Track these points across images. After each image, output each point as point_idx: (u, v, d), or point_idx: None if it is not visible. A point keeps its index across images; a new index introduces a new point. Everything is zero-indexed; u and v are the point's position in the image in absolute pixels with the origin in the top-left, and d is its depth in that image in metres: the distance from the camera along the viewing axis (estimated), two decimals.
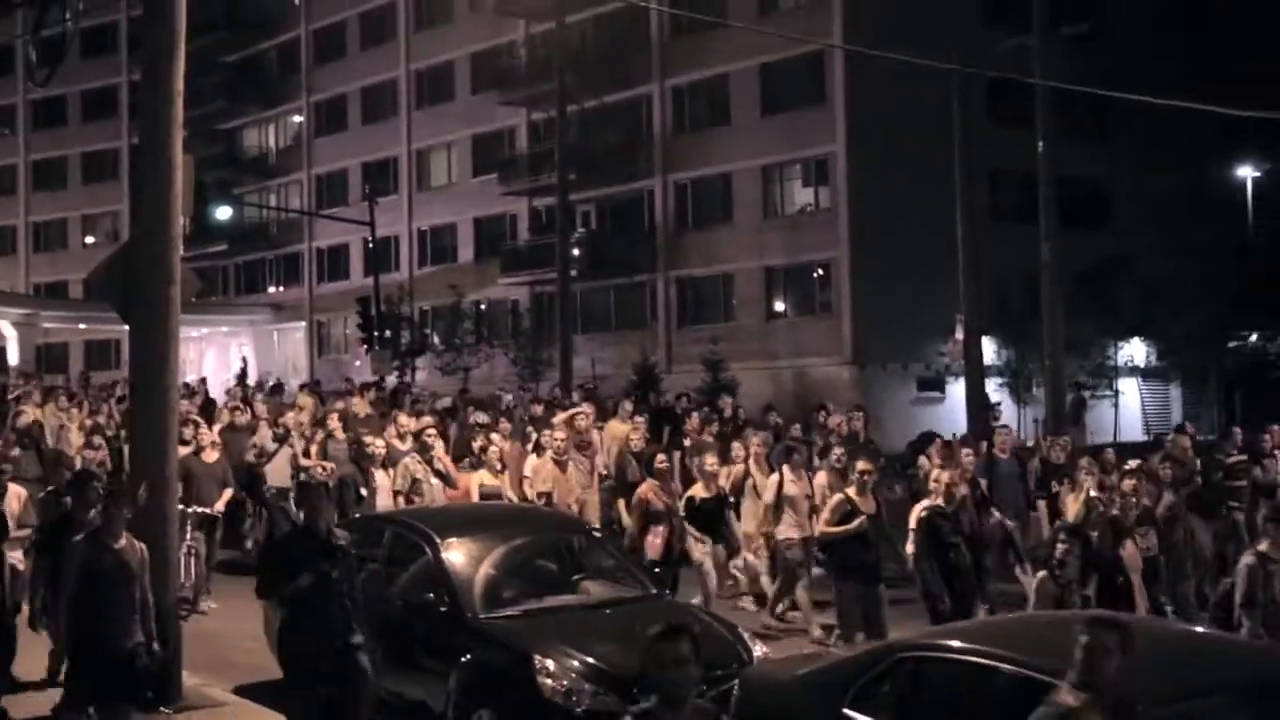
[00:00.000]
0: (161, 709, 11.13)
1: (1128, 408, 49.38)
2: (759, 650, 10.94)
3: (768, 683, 9.22)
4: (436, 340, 51.08)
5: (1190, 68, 42.87)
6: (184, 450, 18.15)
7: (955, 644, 8.06)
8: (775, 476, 16.22)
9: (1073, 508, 15.64)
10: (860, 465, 14.43)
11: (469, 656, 10.48)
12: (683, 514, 15.44)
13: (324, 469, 17.96)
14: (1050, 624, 9.21)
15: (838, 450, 17.03)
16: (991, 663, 7.51)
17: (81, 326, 63.09)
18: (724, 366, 41.13)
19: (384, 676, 10.62)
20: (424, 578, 11.54)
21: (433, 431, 18.84)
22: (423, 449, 17.41)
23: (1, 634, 11.32)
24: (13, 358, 58.51)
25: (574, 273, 42.15)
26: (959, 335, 33.66)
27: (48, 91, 62.98)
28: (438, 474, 17.23)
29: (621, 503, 17.38)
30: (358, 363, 52.63)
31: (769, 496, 15.98)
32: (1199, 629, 10.72)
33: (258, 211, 66.43)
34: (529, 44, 53.76)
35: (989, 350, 36.87)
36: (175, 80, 13.26)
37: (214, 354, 64.76)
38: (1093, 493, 15.39)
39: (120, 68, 66.62)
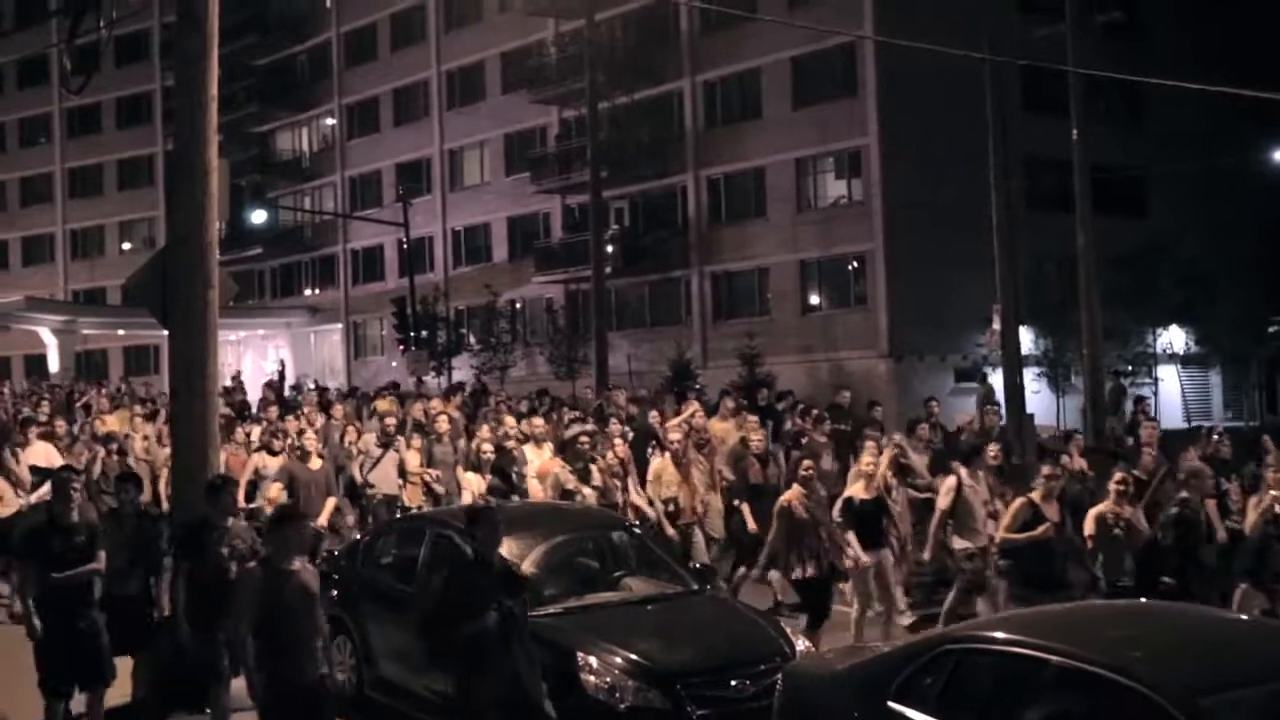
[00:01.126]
0: None
1: (1167, 395, 49.00)
2: (801, 645, 10.97)
3: (811, 677, 9.19)
4: (472, 340, 51.18)
5: (1222, 52, 42.68)
6: (276, 459, 18.65)
7: (1001, 635, 8.03)
8: (951, 479, 15.05)
9: (1252, 515, 14.60)
10: (1045, 470, 13.69)
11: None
12: (839, 518, 14.43)
13: (430, 475, 17.87)
14: (1102, 615, 9.17)
15: (994, 447, 15.92)
16: (1040, 654, 7.46)
17: (120, 332, 63.49)
18: (760, 361, 40.99)
19: (429, 674, 10.75)
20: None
21: (586, 440, 17.68)
22: (576, 457, 16.36)
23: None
24: (53, 365, 58.98)
25: (608, 270, 42.16)
26: (996, 325, 33.54)
27: (82, 100, 63.45)
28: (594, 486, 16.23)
29: (745, 507, 16.80)
30: (394, 363, 52.79)
31: (944, 501, 14.82)
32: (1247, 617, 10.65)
33: (292, 214, 66.79)
34: (558, 42, 53.79)
35: (1026, 340, 36.74)
36: (209, 86, 13.33)
37: (251, 357, 65.04)
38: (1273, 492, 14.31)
39: (154, 74, 67.00)
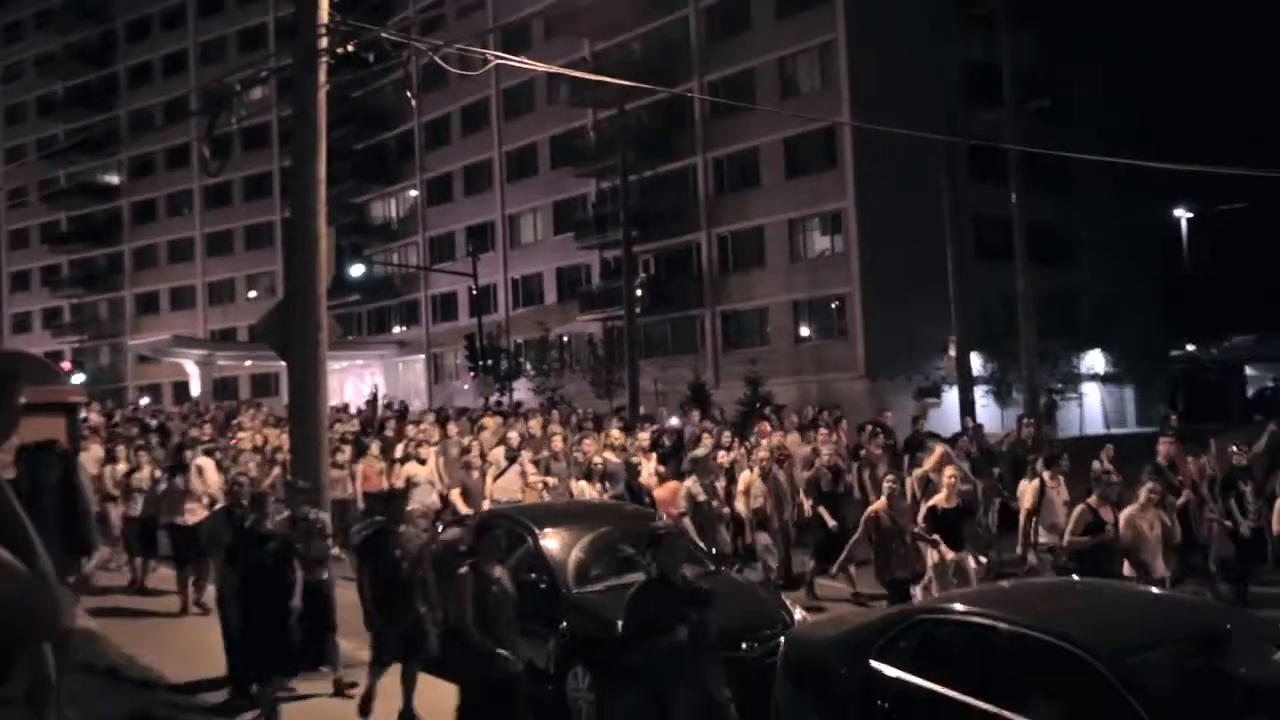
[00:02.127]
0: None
1: (1090, 407, 49.20)
2: (799, 615, 10.95)
3: (808, 641, 9.21)
4: (529, 367, 51.21)
5: (1130, 130, 42.63)
6: (424, 469, 18.52)
7: (961, 607, 8.08)
8: (1035, 482, 14.00)
9: None
10: (1103, 476, 12.79)
11: (565, 624, 10.58)
12: (922, 525, 13.54)
13: (545, 484, 17.12)
14: (1042, 591, 9.16)
15: (1065, 460, 14.60)
16: (993, 623, 7.52)
17: (248, 364, 63.69)
18: (761, 382, 41.00)
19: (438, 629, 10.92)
20: (527, 561, 11.58)
21: (722, 455, 17.56)
22: (705, 471, 15.70)
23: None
24: (195, 389, 59.24)
25: (638, 310, 42.11)
26: (952, 352, 33.58)
27: (217, 179, 63.96)
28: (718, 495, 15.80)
29: (823, 510, 16.06)
30: (465, 386, 52.78)
31: (1028, 501, 13.83)
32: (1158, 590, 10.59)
33: (383, 268, 66.99)
34: (596, 127, 54.07)
35: (976, 363, 36.76)
36: (318, 170, 13.40)
37: (351, 383, 64.97)
38: None
39: (273, 157, 67.37)
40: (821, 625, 9.91)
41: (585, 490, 16.63)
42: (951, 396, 35.69)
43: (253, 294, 76.64)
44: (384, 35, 15.21)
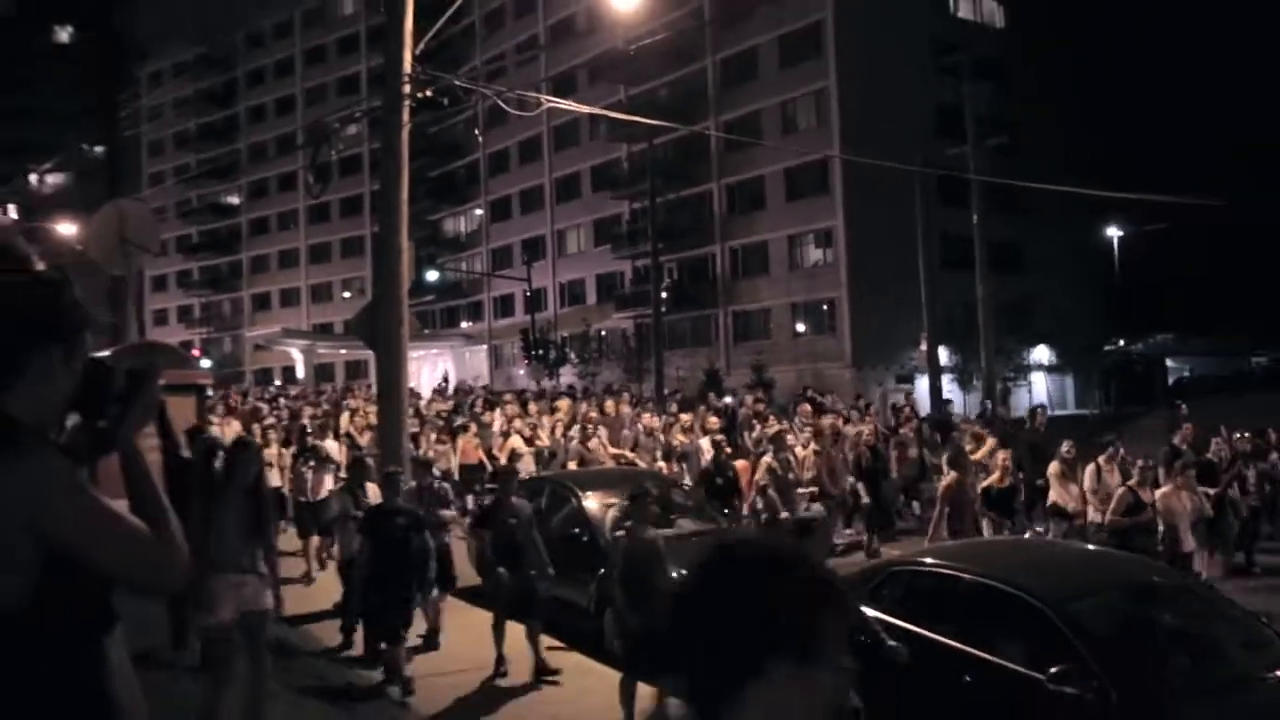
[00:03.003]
0: None
1: (1036, 393, 48.83)
2: None
3: None
4: (573, 356, 51.26)
5: (1075, 162, 42.44)
6: (528, 445, 17.76)
7: (930, 560, 8.03)
8: (1092, 466, 12.79)
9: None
10: (1141, 462, 12.03)
11: (603, 570, 10.50)
12: (982, 501, 12.67)
13: (625, 458, 16.66)
14: (998, 548, 9.11)
15: (1066, 444, 13.70)
16: (957, 573, 7.49)
17: (342, 352, 63.95)
18: (765, 370, 40.97)
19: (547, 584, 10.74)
20: (571, 517, 11.60)
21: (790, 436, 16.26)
22: (779, 447, 14.40)
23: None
24: (300, 373, 59.54)
25: (663, 309, 42.17)
26: (923, 346, 33.51)
27: (318, 200, 64.26)
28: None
29: (861, 484, 15.42)
30: (521, 372, 52.86)
31: (1089, 483, 12.56)
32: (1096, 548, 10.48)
33: (453, 274, 67.13)
34: (629, 158, 54.04)
35: (943, 355, 36.60)
36: (401, 193, 13.40)
37: (426, 369, 65.09)
38: None
39: (364, 181, 67.39)
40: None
41: (663, 468, 15.82)
42: (923, 383, 35.65)
43: (347, 294, 76.90)
44: (456, 83, 15.21)
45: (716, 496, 13.48)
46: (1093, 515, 12.49)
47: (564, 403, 24.23)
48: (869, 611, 7.78)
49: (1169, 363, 58.62)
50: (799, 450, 15.85)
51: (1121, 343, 57.94)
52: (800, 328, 48.99)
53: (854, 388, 37.07)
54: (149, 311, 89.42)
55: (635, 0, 14.97)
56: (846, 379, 41.91)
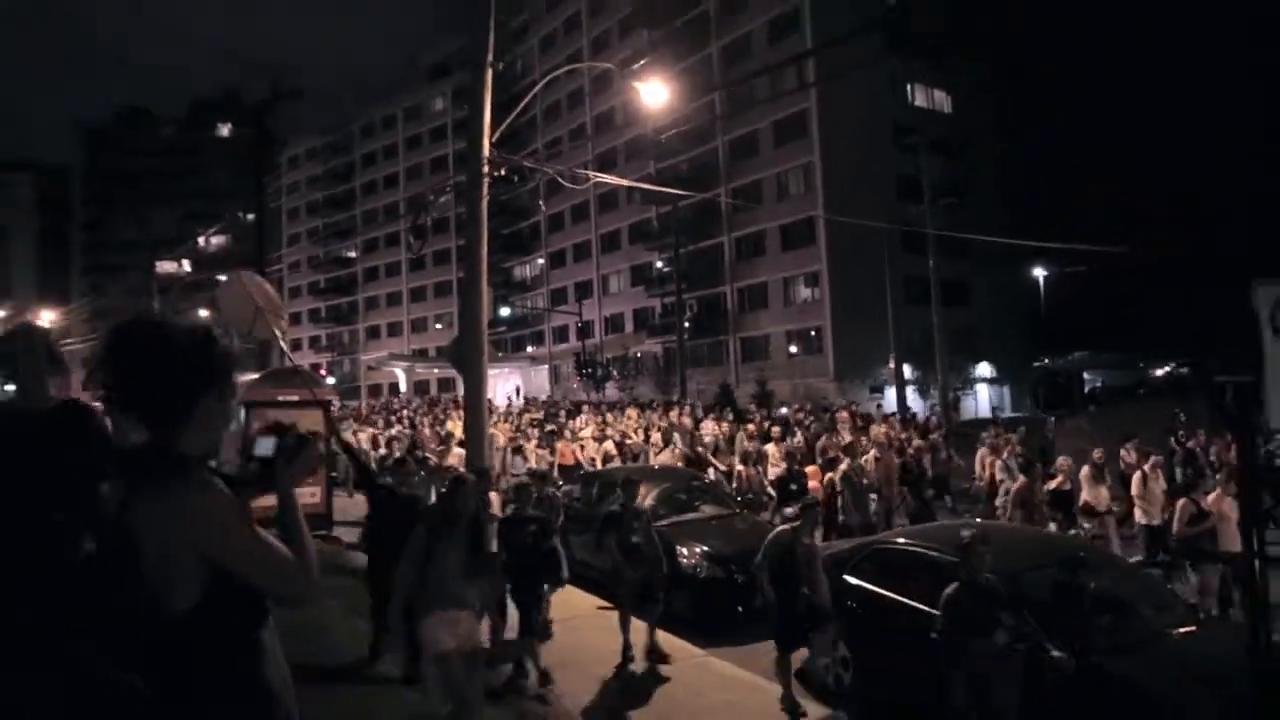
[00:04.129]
0: None
1: (980, 400, 48.45)
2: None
3: None
4: (615, 374, 51.24)
5: (1011, 217, 42.08)
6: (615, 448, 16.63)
7: (902, 540, 7.86)
8: (1139, 474, 11.52)
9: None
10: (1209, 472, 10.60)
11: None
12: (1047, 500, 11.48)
13: (708, 460, 15.42)
14: (951, 528, 8.97)
15: (1097, 450, 12.29)
16: (922, 550, 7.35)
17: (435, 371, 64.28)
18: (766, 383, 40.78)
19: (597, 556, 10.59)
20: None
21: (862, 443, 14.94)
22: (853, 456, 13.17)
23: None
24: (402, 388, 59.87)
25: (686, 337, 42.11)
26: (891, 364, 33.17)
27: (419, 254, 64.41)
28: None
29: (906, 489, 13.99)
30: (575, 386, 52.91)
31: (1136, 489, 11.28)
32: (1035, 529, 10.28)
33: (520, 310, 67.34)
34: (658, 218, 53.96)
35: (907, 371, 36.27)
36: (481, 249, 13.36)
37: (500, 384, 65.36)
38: None
39: (451, 238, 67.88)
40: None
41: (740, 470, 14.51)
42: (890, 393, 35.27)
43: (439, 325, 77.37)
44: (524, 164, 15.24)
45: (789, 499, 12.30)
46: (1140, 518, 11.19)
47: (633, 411, 23.20)
48: (851, 580, 7.68)
49: (1085, 374, 57.78)
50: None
51: (1046, 360, 57.24)
52: (794, 349, 48.70)
53: (838, 397, 36.75)
54: (287, 341, 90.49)
55: (661, 97, 14.90)
56: (830, 390, 41.65)
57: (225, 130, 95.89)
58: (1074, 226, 36.61)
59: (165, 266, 54.66)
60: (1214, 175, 55.37)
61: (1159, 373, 59.53)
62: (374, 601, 7.55)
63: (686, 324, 44.88)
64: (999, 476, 13.84)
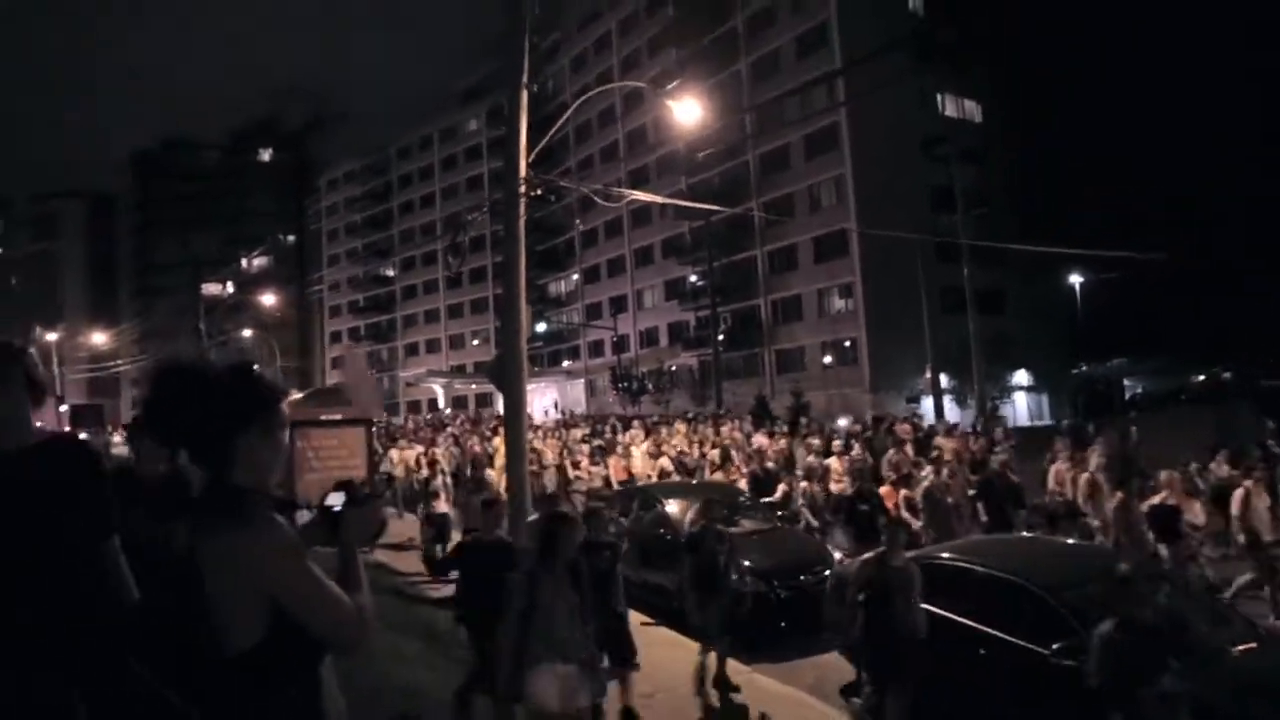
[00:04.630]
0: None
1: (1018, 409, 47.75)
2: (838, 557, 10.61)
3: (848, 575, 8.80)
4: (650, 387, 51.19)
5: (1044, 224, 41.56)
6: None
7: (947, 555, 7.69)
8: (1240, 491, 10.47)
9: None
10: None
11: (684, 560, 10.35)
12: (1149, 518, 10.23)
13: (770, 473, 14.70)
14: (1002, 544, 8.77)
15: (1195, 464, 11.69)
16: (970, 566, 7.20)
17: (473, 387, 64.68)
18: (802, 395, 40.47)
19: (639, 571, 10.53)
20: (658, 519, 11.40)
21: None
22: (937, 472, 12.35)
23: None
24: (440, 403, 60.26)
25: (721, 349, 42.01)
26: (927, 374, 32.79)
27: (454, 272, 65.01)
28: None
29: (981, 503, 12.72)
30: (611, 400, 52.93)
31: (1236, 508, 10.29)
32: (1082, 542, 10.03)
33: (556, 325, 67.55)
34: (691, 233, 53.95)
35: (944, 380, 35.86)
36: (520, 267, 13.40)
37: (537, 399, 65.66)
38: None
39: (487, 256, 68.43)
40: (856, 565, 9.51)
41: (805, 487, 13.72)
42: (927, 402, 34.91)
43: (476, 342, 77.80)
44: (560, 183, 15.32)
45: (855, 522, 11.46)
46: (1238, 535, 10.27)
47: (682, 425, 22.38)
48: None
49: (1125, 381, 56.85)
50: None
51: (1085, 367, 56.37)
52: (828, 360, 48.37)
53: (873, 408, 36.43)
54: (328, 359, 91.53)
55: (694, 115, 14.89)
56: (865, 401, 41.30)
57: (266, 155, 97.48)
58: (1109, 232, 36.11)
59: (209, 288, 55.53)
60: (1252, 179, 54.33)
61: (1198, 378, 58.45)
62: (477, 663, 6.39)
63: (721, 337, 44.80)
64: (1077, 492, 12.37)
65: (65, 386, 62.76)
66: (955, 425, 22.02)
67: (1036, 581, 6.48)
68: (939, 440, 16.98)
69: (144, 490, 3.08)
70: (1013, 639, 6.36)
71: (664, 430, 21.57)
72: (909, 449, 15.75)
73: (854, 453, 15.23)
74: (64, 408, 60.35)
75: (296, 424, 13.65)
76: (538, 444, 19.28)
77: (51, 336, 62.48)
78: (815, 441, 16.63)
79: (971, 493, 12.45)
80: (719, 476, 14.88)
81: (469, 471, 15.32)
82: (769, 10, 51.86)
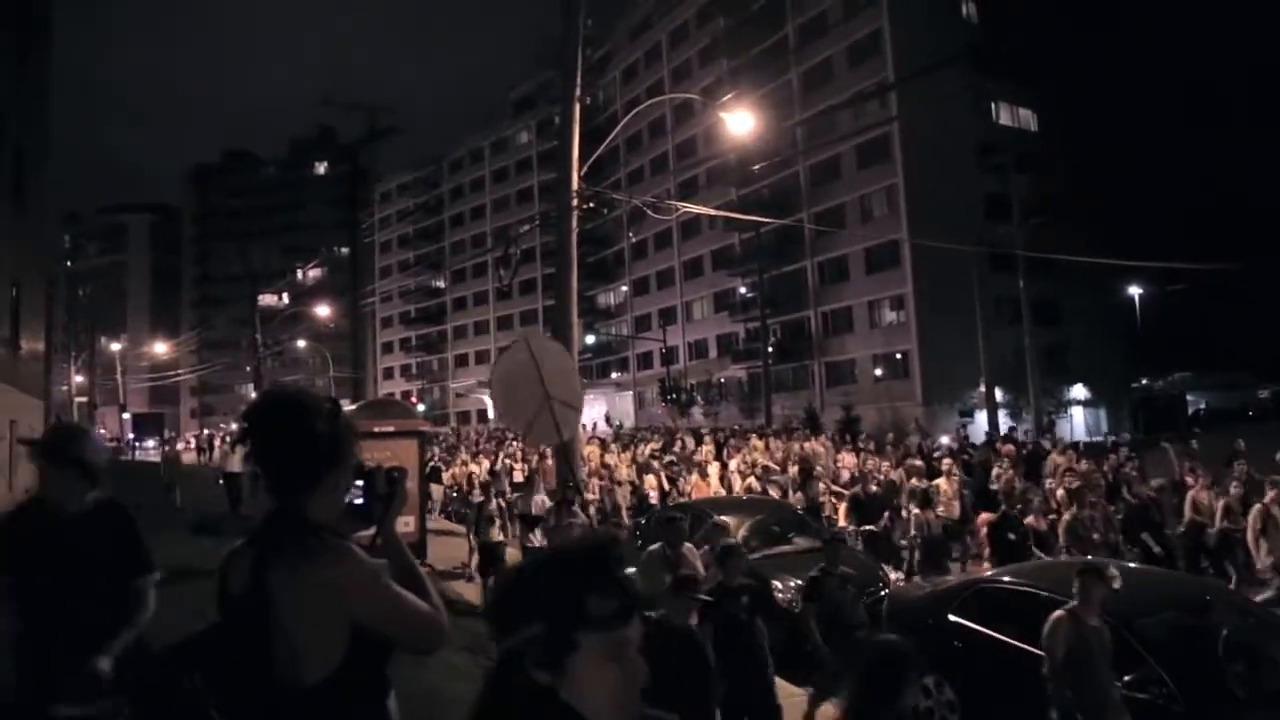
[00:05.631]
0: None
1: (1075, 423, 46.58)
2: (893, 576, 10.38)
3: (905, 598, 8.55)
4: (699, 399, 50.98)
5: (1101, 233, 40.68)
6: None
7: (1009, 579, 7.47)
8: (1259, 508, 9.97)
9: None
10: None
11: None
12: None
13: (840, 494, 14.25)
14: (1068, 567, 8.52)
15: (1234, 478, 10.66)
16: (1027, 589, 6.97)
17: None
18: (853, 408, 40.02)
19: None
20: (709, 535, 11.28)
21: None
22: (1080, 504, 10.52)
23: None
24: (490, 415, 60.73)
25: (771, 361, 41.69)
26: (982, 388, 32.23)
27: (505, 284, 65.32)
28: None
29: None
30: (659, 411, 52.82)
31: (1253, 531, 9.73)
32: (1156, 569, 9.65)
33: (606, 336, 67.66)
34: (741, 244, 53.66)
35: (998, 394, 35.19)
36: (572, 279, 13.47)
37: (585, 411, 65.91)
38: None
39: (537, 268, 68.82)
40: (912, 588, 9.15)
41: (918, 514, 12.16)
42: (981, 416, 34.25)
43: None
44: (613, 195, 15.32)
45: (1004, 552, 10.17)
46: (1267, 559, 9.62)
47: (758, 441, 21.12)
48: (958, 619, 7.32)
49: (1188, 396, 55.29)
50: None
51: (1145, 380, 55.01)
52: (879, 373, 47.72)
53: (926, 422, 35.87)
54: (380, 369, 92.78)
55: (747, 126, 14.80)
56: (917, 415, 40.66)
57: (322, 168, 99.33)
58: (1171, 242, 35.20)
59: (266, 298, 56.61)
60: None
61: (1264, 394, 56.70)
62: None
63: (770, 348, 44.53)
64: (1215, 519, 10.93)
65: (128, 395, 64.39)
66: (1067, 442, 20.09)
67: (1105, 609, 6.22)
68: (1057, 458, 15.21)
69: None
70: None
71: (732, 443, 20.54)
72: (1009, 467, 14.57)
73: (951, 472, 13.68)
74: (126, 415, 61.95)
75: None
76: (610, 458, 19.01)
77: (116, 346, 64.10)
78: (917, 462, 14.80)
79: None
80: (799, 498, 14.00)
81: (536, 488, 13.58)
82: (820, 19, 51.55)
